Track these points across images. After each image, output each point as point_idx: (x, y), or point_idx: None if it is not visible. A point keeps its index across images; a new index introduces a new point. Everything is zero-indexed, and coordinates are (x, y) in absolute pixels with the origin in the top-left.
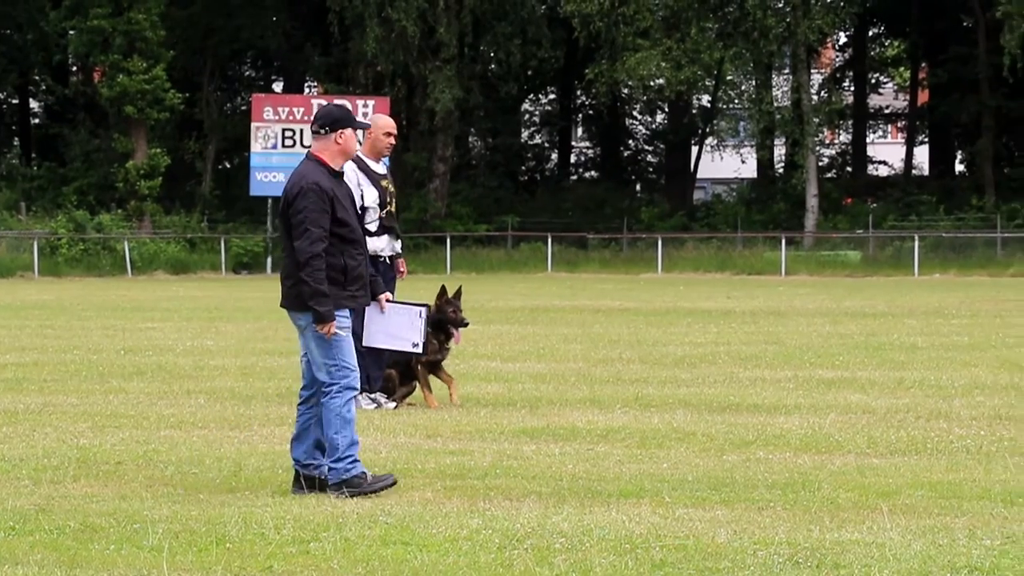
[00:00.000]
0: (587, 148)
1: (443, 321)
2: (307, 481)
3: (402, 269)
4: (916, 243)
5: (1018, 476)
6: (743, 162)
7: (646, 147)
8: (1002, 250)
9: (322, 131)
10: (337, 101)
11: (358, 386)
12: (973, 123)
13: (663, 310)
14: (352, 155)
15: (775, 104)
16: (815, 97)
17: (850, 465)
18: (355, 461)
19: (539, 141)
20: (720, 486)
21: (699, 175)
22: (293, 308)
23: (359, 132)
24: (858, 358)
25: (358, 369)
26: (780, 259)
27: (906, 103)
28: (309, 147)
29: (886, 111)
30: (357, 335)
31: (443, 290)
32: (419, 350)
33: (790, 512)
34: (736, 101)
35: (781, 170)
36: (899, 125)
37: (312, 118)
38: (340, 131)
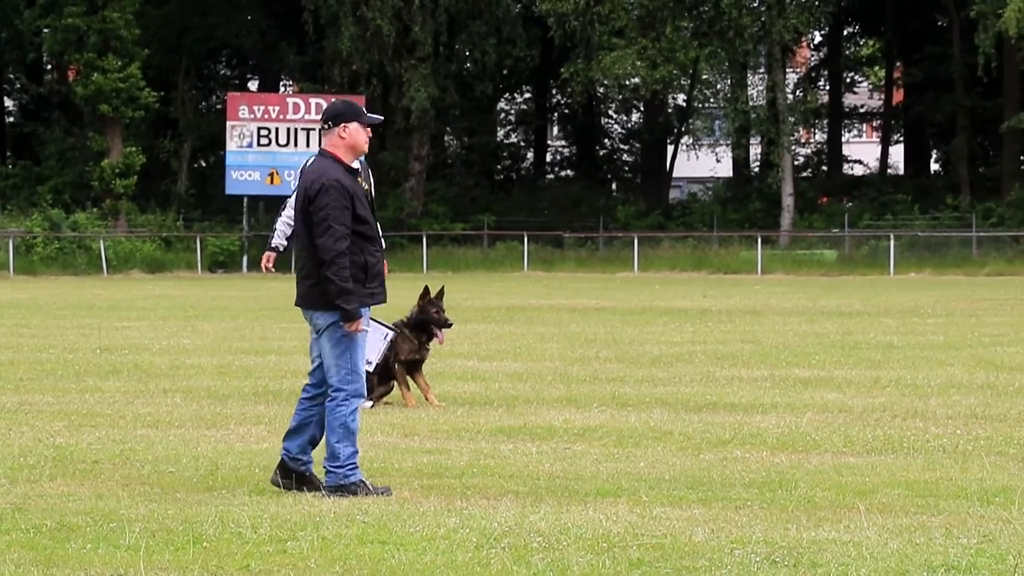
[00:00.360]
0: (563, 147)
1: (426, 321)
2: (283, 472)
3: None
4: (892, 242)
5: (994, 475)
6: (718, 161)
7: (622, 146)
8: (977, 249)
9: (326, 126)
10: (312, 99)
11: (364, 392)
12: (948, 122)
13: (639, 309)
14: (361, 150)
15: (750, 103)
16: (790, 96)
17: (827, 464)
18: (355, 469)
19: (515, 140)
20: (697, 485)
21: (675, 174)
22: (312, 307)
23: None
24: (834, 357)
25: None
26: (756, 258)
27: (881, 102)
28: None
29: (861, 110)
30: None
31: (426, 290)
32: (371, 368)
33: (767, 511)
34: (711, 100)
35: (757, 169)
36: (874, 124)
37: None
38: (343, 125)
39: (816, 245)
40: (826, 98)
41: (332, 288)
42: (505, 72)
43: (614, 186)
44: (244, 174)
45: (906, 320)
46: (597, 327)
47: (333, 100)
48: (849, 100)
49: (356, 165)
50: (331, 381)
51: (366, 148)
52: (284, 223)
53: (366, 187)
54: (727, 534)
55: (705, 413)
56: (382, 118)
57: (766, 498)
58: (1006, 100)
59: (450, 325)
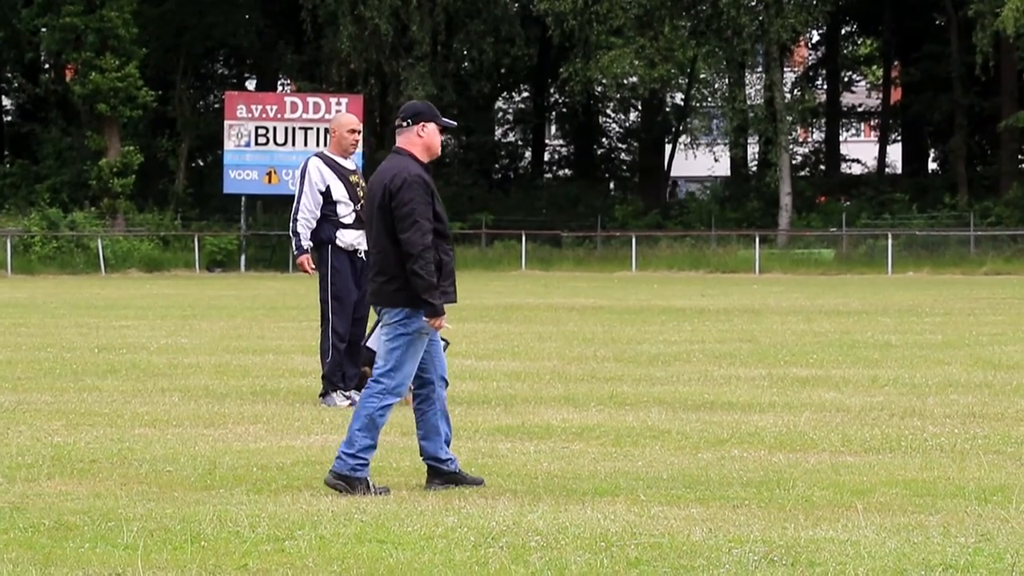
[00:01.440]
0: (561, 146)
1: None
2: (443, 477)
3: None
4: (889, 241)
5: (992, 473)
6: (716, 160)
7: (620, 145)
8: (975, 248)
9: (404, 124)
10: (310, 98)
11: (404, 394)
12: (946, 121)
13: (637, 308)
14: (435, 152)
15: (748, 102)
16: (788, 95)
17: (824, 463)
18: (365, 465)
19: (513, 139)
20: (695, 484)
21: (673, 173)
22: (385, 303)
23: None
24: (832, 356)
25: (412, 378)
26: (754, 257)
27: (879, 101)
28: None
29: (859, 109)
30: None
31: None
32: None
33: (765, 510)
34: (709, 99)
35: (755, 168)
36: (872, 123)
37: (397, 113)
38: (423, 124)
39: (814, 244)
40: (824, 97)
41: (419, 283)
42: (503, 71)
43: (612, 185)
44: (242, 173)
45: (904, 319)
46: (595, 326)
47: (412, 100)
48: (847, 99)
49: (351, 165)
50: (376, 371)
51: (439, 151)
52: (304, 225)
53: (363, 184)
54: (725, 533)
55: (703, 412)
56: (455, 123)
57: (764, 497)
58: (1004, 99)
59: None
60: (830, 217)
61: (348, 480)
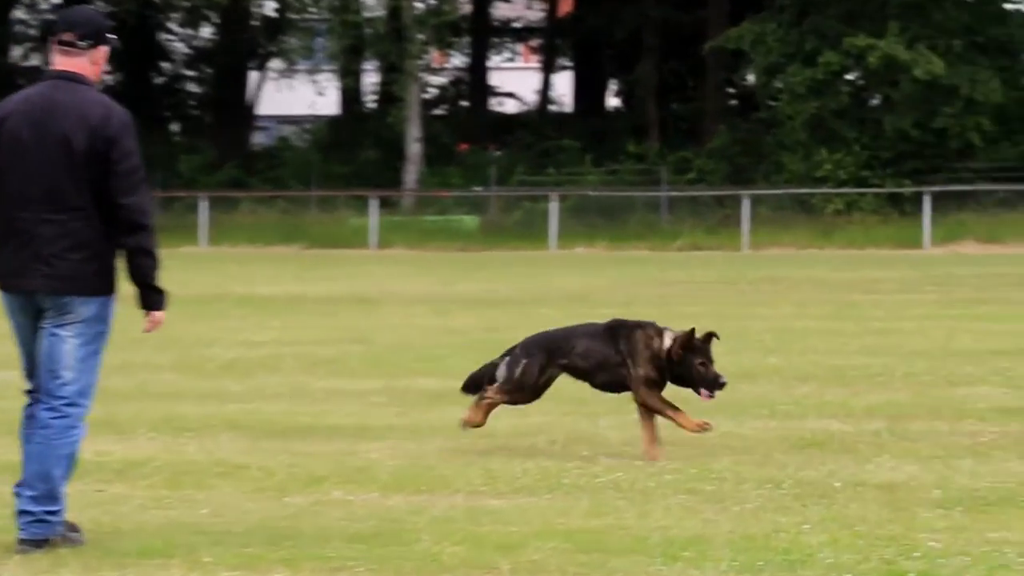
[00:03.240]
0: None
1: (685, 377)
2: None
3: None
4: (554, 204)
5: (682, 521)
6: (321, 94)
7: (187, 72)
8: (668, 214)
9: (84, 43)
10: None
11: None
12: (631, 42)
13: (208, 297)
14: None
15: (365, 15)
16: (419, 5)
17: (459, 508)
18: None
19: (36, 64)
20: (280, 539)
21: (260, 111)
22: (83, 292)
23: None
24: (473, 361)
25: None
26: (369, 226)
27: (543, 15)
28: None
29: (515, 25)
30: None
31: (691, 334)
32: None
33: (377, 574)
34: (312, 9)
35: (373, 105)
36: (533, 44)
37: None
38: (103, 48)
39: (452, 209)
40: (468, 8)
41: (151, 264)
42: None
43: (175, 127)
44: None
45: (572, 310)
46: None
47: (82, 7)
48: (499, 11)
49: None
50: (65, 392)
51: None
52: None
53: None
54: None
55: (294, 440)
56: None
57: (376, 556)
58: (710, 12)
59: (723, 385)
60: (475, 171)
61: (51, 540)
